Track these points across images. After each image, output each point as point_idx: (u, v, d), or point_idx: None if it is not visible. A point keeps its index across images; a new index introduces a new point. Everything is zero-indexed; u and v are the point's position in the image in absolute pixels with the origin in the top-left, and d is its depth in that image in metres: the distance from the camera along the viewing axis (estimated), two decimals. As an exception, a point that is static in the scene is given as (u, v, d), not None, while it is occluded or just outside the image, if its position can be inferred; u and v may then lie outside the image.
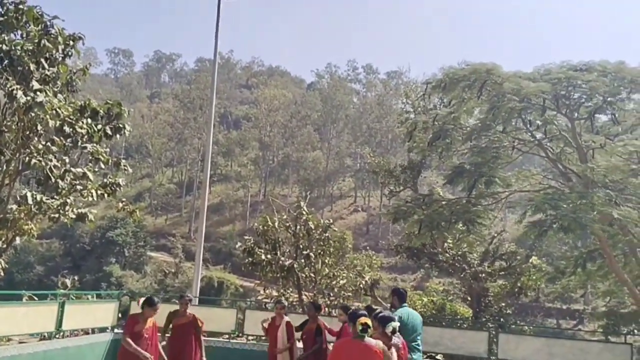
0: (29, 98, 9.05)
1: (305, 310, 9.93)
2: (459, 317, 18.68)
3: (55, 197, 10.41)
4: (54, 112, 9.59)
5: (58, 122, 9.87)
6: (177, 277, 55.55)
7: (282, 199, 54.53)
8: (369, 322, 4.93)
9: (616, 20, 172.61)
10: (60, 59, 10.28)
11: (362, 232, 64.43)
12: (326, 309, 15.25)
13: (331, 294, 17.05)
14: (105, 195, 11.24)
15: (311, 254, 15.36)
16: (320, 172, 73.73)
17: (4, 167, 10.13)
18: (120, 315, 10.85)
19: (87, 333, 10.07)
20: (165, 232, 68.67)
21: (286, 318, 8.48)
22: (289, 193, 71.53)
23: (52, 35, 9.96)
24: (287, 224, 16.00)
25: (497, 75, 12.93)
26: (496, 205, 14.33)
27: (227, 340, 10.54)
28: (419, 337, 6.54)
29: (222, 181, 79.73)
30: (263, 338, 9.56)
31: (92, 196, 10.82)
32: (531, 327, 21.59)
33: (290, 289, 16.83)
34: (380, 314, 5.22)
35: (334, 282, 16.63)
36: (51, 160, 10.15)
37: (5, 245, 10.77)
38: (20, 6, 9.76)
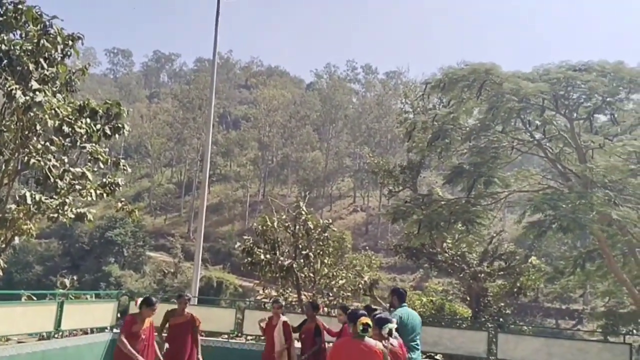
0: (27, 98, 9.05)
1: (304, 310, 9.92)
2: (458, 317, 18.68)
3: (54, 196, 10.40)
4: (53, 112, 9.58)
5: (57, 122, 9.85)
6: (176, 277, 55.56)
7: (281, 199, 54.53)
8: (370, 322, 4.92)
9: (616, 20, 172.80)
10: (59, 58, 10.27)
11: (361, 232, 64.45)
12: (325, 309, 15.25)
13: (330, 294, 17.04)
14: (104, 195, 11.23)
15: (310, 254, 15.35)
16: (319, 172, 73.72)
17: (3, 167, 10.13)
18: (119, 315, 10.84)
19: (86, 333, 10.06)
20: (164, 232, 68.67)
21: (283, 318, 8.42)
22: (288, 193, 71.54)
23: (51, 35, 9.96)
24: (286, 224, 15.98)
25: (496, 75, 12.93)
26: (495, 206, 14.33)
27: (226, 340, 10.54)
28: (418, 337, 6.56)
29: (221, 181, 79.74)
30: (262, 338, 9.55)
31: (91, 196, 10.81)
32: (530, 327, 21.60)
33: (290, 289, 16.82)
34: (377, 316, 5.21)
35: (333, 282, 16.62)
36: (50, 160, 10.14)
37: (4, 245, 10.76)
38: (19, 6, 9.75)
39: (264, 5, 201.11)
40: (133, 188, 79.52)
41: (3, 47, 9.49)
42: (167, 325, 7.98)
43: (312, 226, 15.81)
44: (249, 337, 10.77)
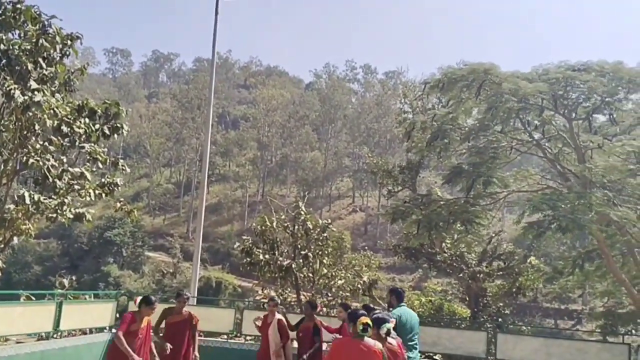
0: (26, 97, 9.03)
1: (302, 310, 9.91)
2: (457, 317, 18.67)
3: (52, 196, 10.39)
4: (51, 111, 9.57)
5: (56, 122, 9.84)
6: (175, 277, 55.55)
7: (280, 199, 54.57)
8: (370, 322, 4.92)
9: (616, 20, 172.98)
10: (58, 58, 10.25)
11: (361, 232, 64.46)
12: (324, 309, 15.24)
13: (329, 294, 17.04)
14: (103, 195, 11.22)
15: (309, 254, 15.35)
16: (318, 172, 73.71)
17: (2, 167, 10.11)
18: (118, 315, 10.82)
19: (85, 333, 10.05)
20: (163, 232, 68.66)
21: (278, 315, 8.36)
22: (287, 193, 71.56)
23: (49, 35, 9.94)
24: (285, 224, 15.98)
25: (495, 75, 12.95)
26: (494, 206, 14.34)
27: (225, 340, 10.53)
28: (416, 337, 6.56)
29: (220, 181, 79.72)
30: (261, 338, 9.54)
31: (89, 196, 10.80)
32: (529, 327, 21.61)
33: (289, 289, 16.82)
34: (375, 315, 5.21)
35: (332, 282, 16.62)
36: (49, 160, 10.13)
37: (2, 245, 10.75)
38: (18, 6, 9.73)
39: (263, 5, 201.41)
40: (132, 188, 79.49)
41: (2, 46, 9.47)
42: (163, 323, 7.93)
43: (311, 226, 15.80)
44: (248, 338, 10.76)
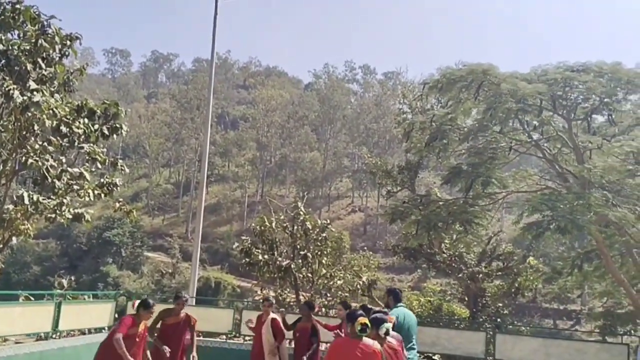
0: (25, 98, 9.03)
1: (300, 310, 9.89)
2: (456, 317, 18.70)
3: (51, 197, 10.39)
4: (50, 112, 9.57)
5: (55, 122, 9.84)
6: (174, 278, 55.52)
7: (279, 199, 54.53)
8: (368, 322, 4.91)
9: (616, 20, 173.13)
10: (57, 58, 10.25)
11: (360, 232, 64.44)
12: (323, 309, 15.26)
13: (328, 295, 17.06)
14: (102, 195, 11.22)
15: (308, 254, 15.37)
16: (317, 173, 73.70)
17: (1, 167, 10.11)
18: (117, 315, 10.82)
19: (84, 333, 10.05)
20: (162, 232, 68.60)
21: (272, 315, 8.28)
22: (287, 193, 71.52)
23: (49, 35, 9.95)
24: (285, 225, 16.00)
25: (494, 75, 12.95)
26: (493, 206, 14.36)
27: (224, 340, 10.54)
28: (414, 337, 6.56)
29: (220, 181, 79.69)
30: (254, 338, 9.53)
31: (88, 196, 10.80)
32: (528, 328, 21.63)
33: (288, 289, 16.85)
34: (373, 315, 5.21)
35: (331, 283, 16.65)
36: (48, 160, 10.13)
37: (1, 245, 10.75)
38: (17, 6, 9.74)
39: (262, 5, 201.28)
40: (131, 188, 79.43)
41: (1, 47, 9.47)
42: (159, 324, 7.87)
43: (310, 226, 15.83)
44: (246, 338, 10.76)
